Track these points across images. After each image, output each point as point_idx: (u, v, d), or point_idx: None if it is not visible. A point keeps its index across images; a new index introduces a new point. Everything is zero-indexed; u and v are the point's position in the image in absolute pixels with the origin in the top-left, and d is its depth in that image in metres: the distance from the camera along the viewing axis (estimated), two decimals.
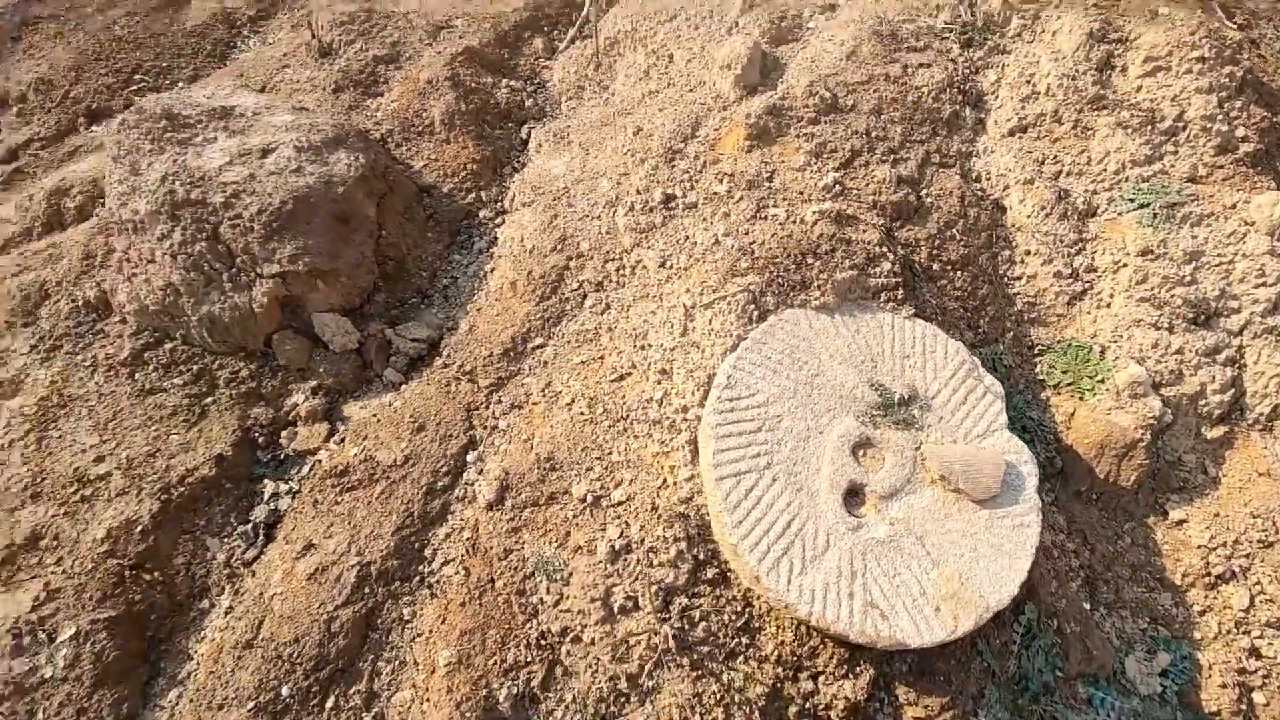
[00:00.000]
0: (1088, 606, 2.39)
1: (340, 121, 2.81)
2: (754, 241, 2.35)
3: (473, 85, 3.35)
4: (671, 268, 2.48)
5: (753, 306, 2.18)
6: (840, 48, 2.85)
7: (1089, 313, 2.61)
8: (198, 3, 4.19)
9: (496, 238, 3.00)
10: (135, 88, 3.74)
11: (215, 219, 2.42)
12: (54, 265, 2.66)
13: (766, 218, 2.43)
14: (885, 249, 2.32)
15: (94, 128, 3.61)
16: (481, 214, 3.09)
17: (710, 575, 1.99)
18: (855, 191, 2.50)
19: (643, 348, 2.31)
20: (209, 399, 2.43)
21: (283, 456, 2.42)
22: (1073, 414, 2.52)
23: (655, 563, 1.98)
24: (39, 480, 2.18)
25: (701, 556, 2.00)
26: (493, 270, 2.82)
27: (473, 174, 3.13)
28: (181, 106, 2.60)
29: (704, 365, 2.14)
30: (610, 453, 2.16)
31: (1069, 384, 2.56)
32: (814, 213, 2.33)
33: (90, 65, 3.77)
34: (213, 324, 2.43)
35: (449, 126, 3.19)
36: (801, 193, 2.48)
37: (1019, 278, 2.65)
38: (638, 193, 2.68)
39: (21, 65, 3.78)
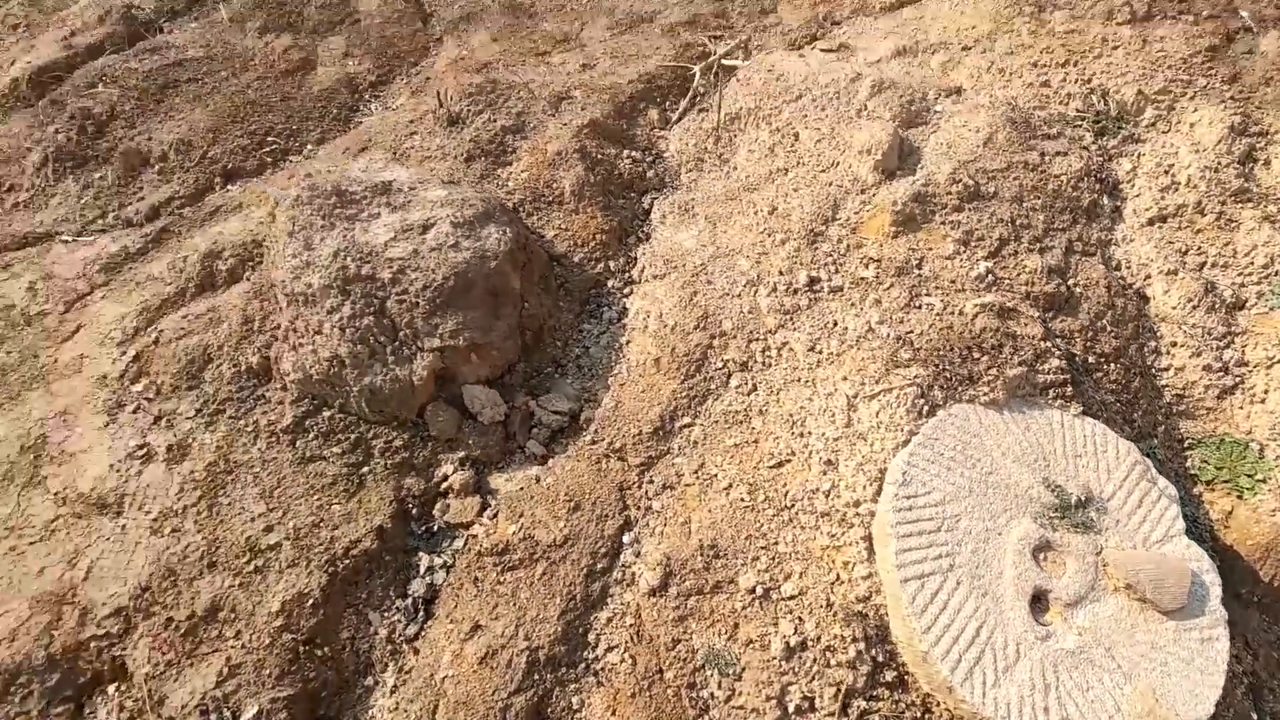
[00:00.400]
0: (1255, 717, 2.30)
1: (487, 195, 2.91)
2: (912, 332, 2.37)
3: (598, 157, 3.46)
4: (821, 352, 2.50)
5: (922, 400, 2.18)
6: (976, 134, 2.89)
7: (1241, 408, 2.57)
8: (323, 68, 4.41)
9: (625, 308, 3.06)
10: (268, 149, 3.92)
11: (383, 294, 2.51)
12: (215, 330, 2.76)
13: (921, 307, 2.45)
14: (1050, 344, 2.32)
15: (230, 187, 3.78)
16: (610, 284, 3.15)
17: (889, 678, 1.96)
18: (1008, 281, 2.51)
19: (801, 435, 2.32)
20: (365, 469, 2.48)
21: (435, 529, 2.45)
22: (1231, 512, 2.46)
23: (833, 663, 1.95)
24: (214, 549, 2.23)
25: (880, 658, 1.97)
26: (628, 343, 2.87)
27: (601, 244, 3.21)
28: (348, 184, 2.72)
29: (874, 459, 2.14)
30: (776, 543, 2.16)
31: (1224, 481, 2.50)
32: (974, 305, 2.34)
33: (226, 127, 3.96)
34: (372, 395, 2.49)
35: (578, 197, 3.29)
36: (953, 281, 2.50)
37: (1166, 369, 2.62)
38: (780, 274, 2.73)
39: (163, 126, 3.98)
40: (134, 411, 2.60)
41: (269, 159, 3.90)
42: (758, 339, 2.64)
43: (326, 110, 4.17)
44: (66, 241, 3.55)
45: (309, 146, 3.99)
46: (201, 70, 4.31)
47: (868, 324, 2.45)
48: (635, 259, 3.23)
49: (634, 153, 3.62)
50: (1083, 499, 2.09)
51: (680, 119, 3.86)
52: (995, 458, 2.14)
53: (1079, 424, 2.23)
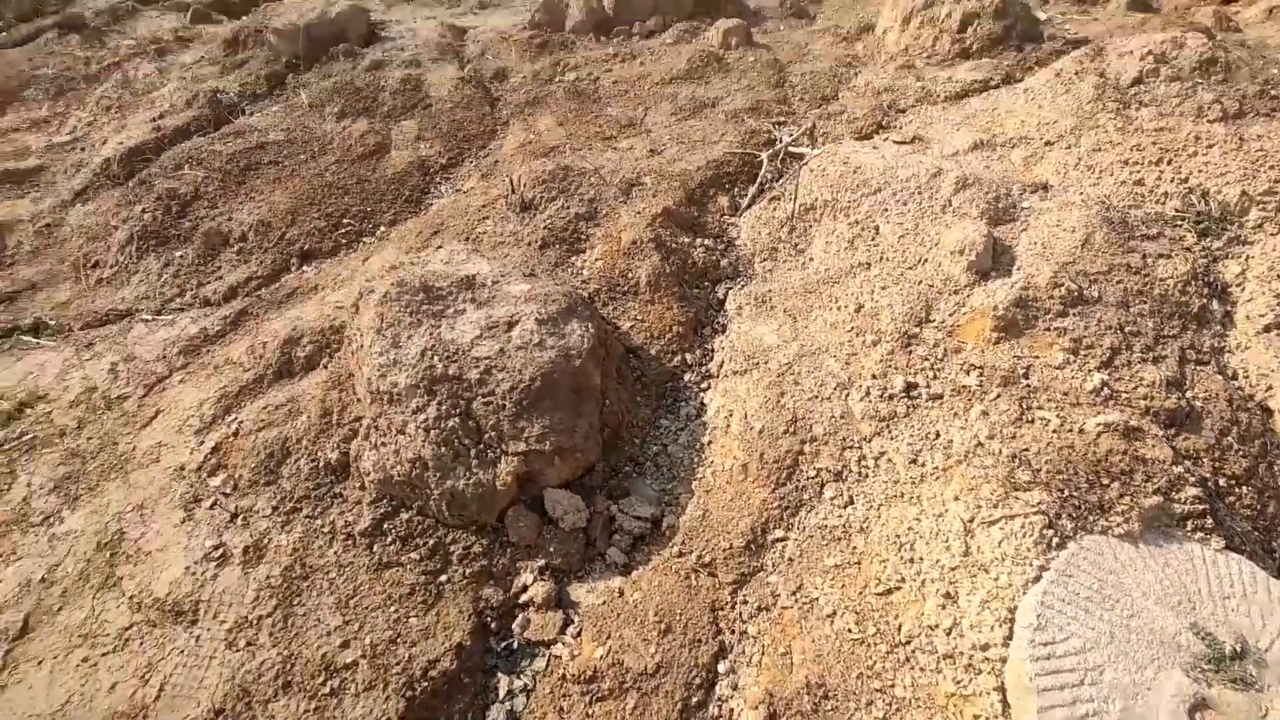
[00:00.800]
0: None
1: (568, 290, 2.89)
2: (1027, 450, 2.23)
3: (672, 246, 3.45)
4: (925, 466, 2.36)
5: (1050, 531, 2.02)
6: (1072, 234, 2.81)
7: None
8: (397, 151, 4.55)
9: (703, 404, 2.97)
10: (343, 231, 4.01)
11: (469, 395, 2.46)
12: (293, 422, 2.73)
13: (1034, 421, 2.31)
14: (1183, 469, 2.15)
15: (305, 268, 3.85)
16: (687, 378, 3.08)
17: None
18: (1125, 395, 2.37)
19: (911, 561, 2.16)
20: (443, 577, 2.37)
21: (514, 646, 2.31)
22: None
23: None
24: (289, 666, 2.12)
25: None
26: (710, 443, 2.77)
27: (677, 336, 3.16)
28: (435, 279, 2.72)
29: (1000, 596, 1.97)
30: (893, 685, 1.98)
31: None
32: (1096, 424, 2.20)
33: (304, 209, 4.07)
34: (453, 498, 2.41)
35: (654, 288, 3.26)
36: (1066, 394, 2.37)
37: None
38: (873, 377, 2.62)
39: (244, 207, 4.11)
40: (211, 507, 2.54)
41: (343, 240, 3.98)
42: (852, 447, 2.52)
43: (399, 192, 4.27)
44: (146, 320, 3.62)
45: (382, 228, 4.07)
46: (282, 153, 4.47)
47: (975, 438, 2.32)
48: (712, 351, 3.16)
49: (706, 241, 3.60)
50: (1238, 649, 1.89)
51: (749, 206, 3.86)
52: (1136, 599, 1.95)
53: (1223, 560, 2.04)
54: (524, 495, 2.55)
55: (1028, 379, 2.45)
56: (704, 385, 3.05)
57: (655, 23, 5.84)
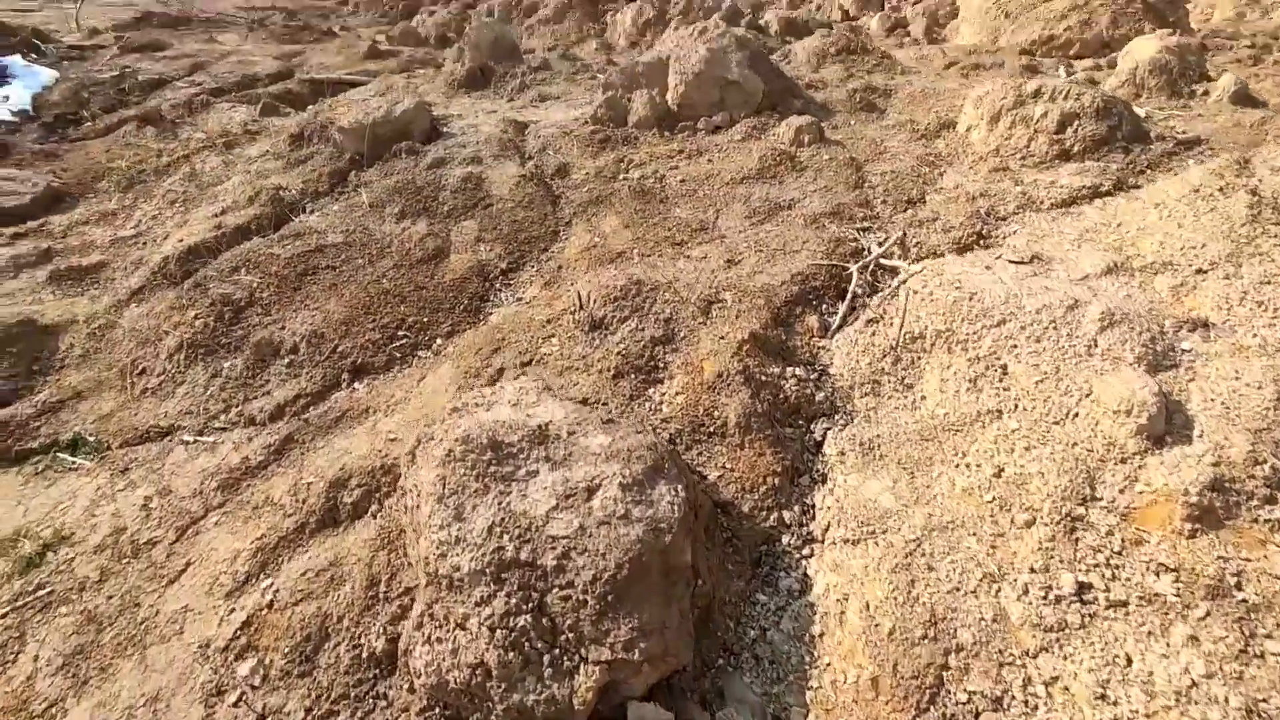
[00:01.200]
0: None
1: (653, 441, 2.52)
2: (1265, 702, 1.71)
3: (763, 379, 3.07)
4: (1118, 706, 1.85)
5: None
6: (1259, 392, 2.34)
7: None
8: (456, 255, 4.35)
9: (807, 576, 2.51)
10: (398, 343, 3.76)
11: (543, 585, 2.07)
12: (335, 593, 2.37)
13: (1264, 656, 1.80)
14: None
15: (356, 385, 3.59)
16: (785, 540, 2.64)
17: None
18: None
19: None
20: None
21: None
22: None
23: None
24: None
25: None
26: (822, 636, 2.29)
27: (773, 489, 2.73)
28: (503, 432, 2.38)
29: None
30: None
31: None
32: None
33: (359, 319, 3.85)
34: (520, 715, 1.98)
35: (744, 430, 2.87)
36: None
37: None
38: (1032, 571, 2.15)
39: (298, 316, 3.91)
40: (236, 704, 2.16)
41: (398, 354, 3.72)
42: (1011, 663, 2.02)
43: (457, 300, 4.04)
44: (187, 442, 3.36)
45: (439, 340, 3.81)
46: (340, 257, 4.31)
47: (1187, 674, 1.81)
48: (812, 508, 2.72)
49: (797, 370, 3.22)
50: None
51: (841, 326, 3.49)
52: None
53: None
54: (602, 705, 2.11)
55: (1241, 591, 1.94)
56: (806, 552, 2.60)
57: (721, 119, 5.69)
